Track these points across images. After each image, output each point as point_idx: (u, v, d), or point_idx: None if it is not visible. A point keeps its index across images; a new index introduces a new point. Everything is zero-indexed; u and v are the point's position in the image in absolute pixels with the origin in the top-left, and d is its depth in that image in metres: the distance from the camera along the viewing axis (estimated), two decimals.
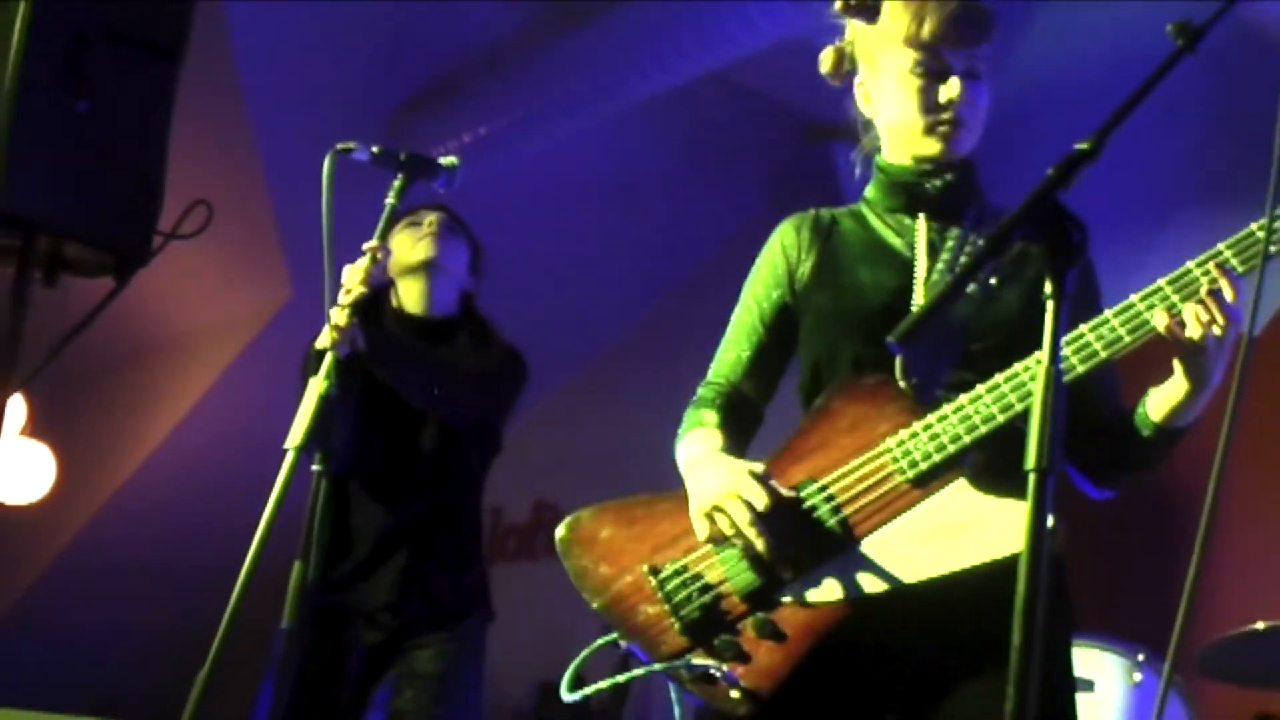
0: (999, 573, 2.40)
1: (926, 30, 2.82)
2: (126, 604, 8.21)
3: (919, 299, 2.79)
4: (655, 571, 2.72)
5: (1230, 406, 2.28)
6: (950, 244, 2.85)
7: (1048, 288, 2.02)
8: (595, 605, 2.75)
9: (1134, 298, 2.56)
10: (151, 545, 8.13)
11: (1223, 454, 2.23)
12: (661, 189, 8.43)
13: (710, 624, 2.65)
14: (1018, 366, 2.57)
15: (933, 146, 2.85)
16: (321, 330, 3.52)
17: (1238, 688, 4.95)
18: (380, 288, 3.70)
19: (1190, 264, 2.55)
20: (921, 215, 2.88)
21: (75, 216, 3.34)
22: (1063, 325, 2.01)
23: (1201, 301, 2.50)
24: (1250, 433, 6.07)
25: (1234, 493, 6.06)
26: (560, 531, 2.84)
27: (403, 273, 4.31)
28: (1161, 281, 2.56)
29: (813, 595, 2.61)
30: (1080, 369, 2.56)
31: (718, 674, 2.59)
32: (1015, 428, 2.51)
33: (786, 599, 2.63)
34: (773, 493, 2.64)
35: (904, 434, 2.64)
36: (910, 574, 2.57)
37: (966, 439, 2.58)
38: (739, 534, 2.63)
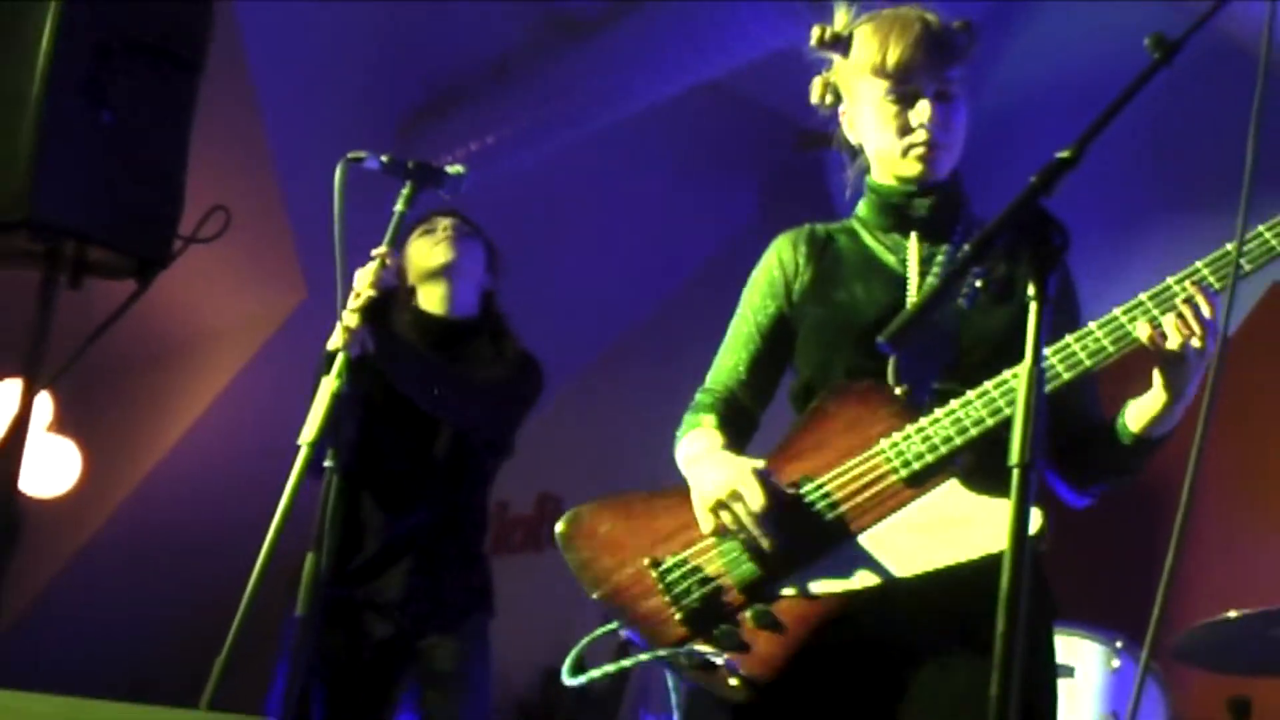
0: (989, 567, 2.39)
1: (892, 58, 2.82)
2: (147, 592, 8.21)
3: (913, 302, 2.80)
4: (656, 564, 2.72)
5: (1205, 407, 2.29)
6: (940, 260, 2.86)
7: (1030, 289, 2.03)
8: (595, 595, 2.75)
9: (1117, 311, 2.58)
10: (171, 536, 8.13)
11: (1198, 451, 2.23)
12: (660, 194, 8.43)
13: (710, 614, 2.65)
14: (1007, 374, 2.59)
15: (912, 169, 2.86)
16: (334, 331, 3.52)
17: (1211, 673, 4.95)
18: (390, 291, 3.69)
19: (1170, 280, 2.57)
20: (913, 234, 2.89)
21: (99, 222, 3.34)
22: (1045, 327, 2.02)
23: (1181, 315, 2.51)
24: (1224, 432, 6.08)
25: (1209, 489, 6.06)
26: (560, 526, 2.84)
27: (423, 278, 4.29)
28: (1143, 296, 2.58)
29: (810, 588, 2.62)
30: (1066, 376, 2.57)
31: (719, 662, 2.59)
32: (1004, 431, 2.52)
33: (784, 591, 2.63)
34: (774, 489, 2.64)
35: (897, 436, 2.65)
36: (903, 568, 2.58)
37: (957, 440, 2.59)
38: (742, 528, 2.63)
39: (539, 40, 7.55)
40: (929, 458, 2.61)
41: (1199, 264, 2.56)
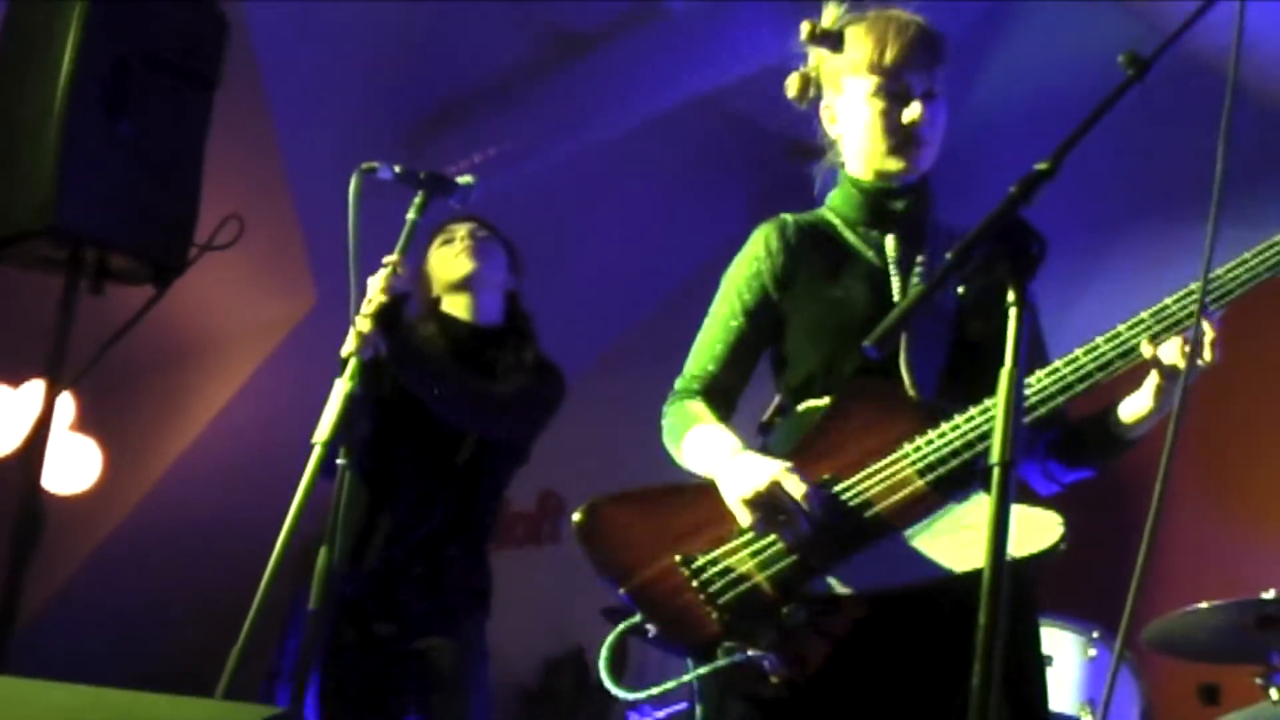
0: (1015, 572, 2.41)
1: (889, 56, 2.83)
2: (165, 585, 8.20)
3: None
4: (688, 561, 2.67)
5: (1177, 406, 2.30)
6: (920, 258, 2.87)
7: (1010, 296, 2.03)
8: (622, 590, 2.68)
9: (1120, 327, 2.61)
10: (188, 531, 8.12)
11: (1170, 448, 2.24)
12: (657, 202, 8.44)
13: (747, 612, 2.61)
14: (1029, 380, 2.59)
15: (897, 164, 2.87)
16: (347, 335, 3.51)
17: (1182, 661, 4.95)
18: (403, 296, 3.67)
19: (1168, 299, 2.61)
20: (891, 234, 2.89)
21: (119, 230, 3.34)
22: (1024, 332, 2.03)
23: (1185, 334, 2.56)
24: (1195, 433, 6.09)
25: (1180, 489, 6.06)
26: (577, 516, 2.75)
27: (446, 289, 4.25)
28: (1144, 313, 2.61)
29: (845, 586, 2.59)
30: (1079, 388, 2.60)
31: (765, 664, 2.54)
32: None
33: (820, 589, 2.60)
34: (815, 490, 2.62)
35: (920, 440, 2.64)
36: (935, 569, 2.55)
37: (979, 447, 2.59)
38: (783, 522, 2.60)
39: (540, 56, 7.55)
40: (953, 463, 2.60)
41: (1193, 285, 2.59)
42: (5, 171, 3.27)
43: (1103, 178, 5.99)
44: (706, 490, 2.72)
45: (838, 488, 2.65)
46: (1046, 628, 4.60)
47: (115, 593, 8.26)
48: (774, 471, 2.61)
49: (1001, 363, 2.58)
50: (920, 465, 2.62)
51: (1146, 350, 2.56)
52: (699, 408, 2.90)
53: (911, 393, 2.69)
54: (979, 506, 2.57)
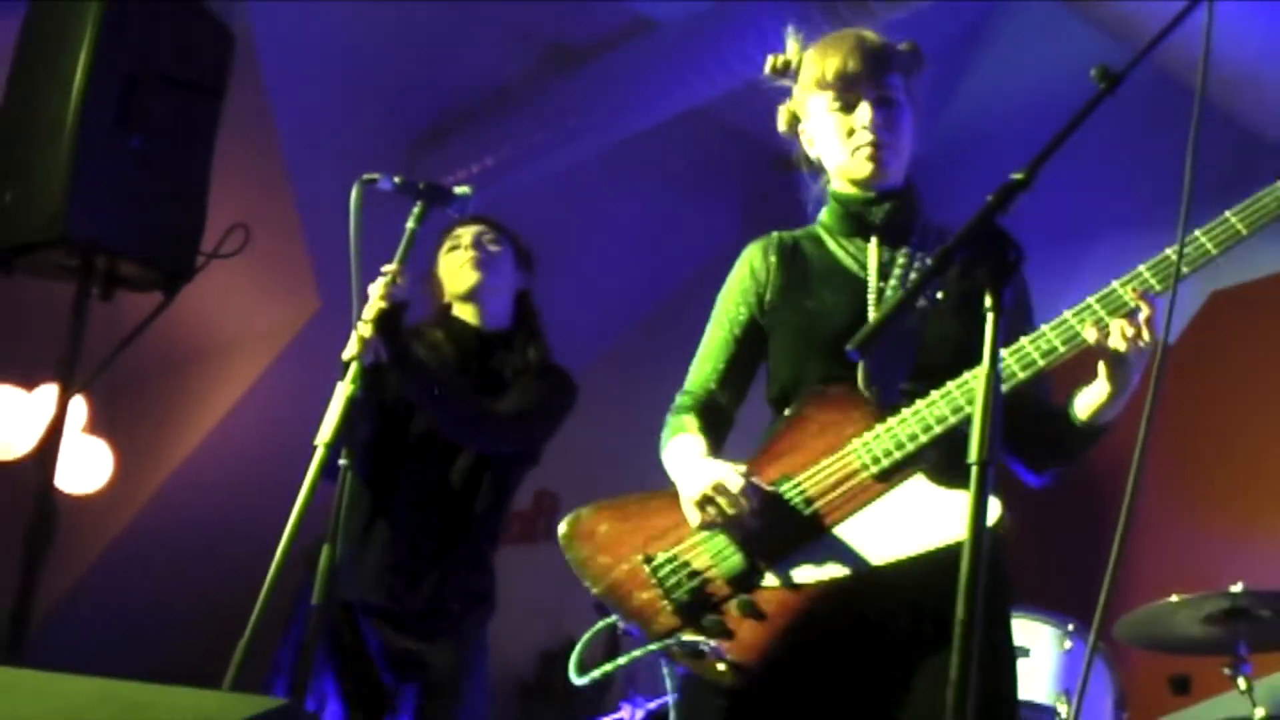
0: (954, 555, 2.43)
1: (831, 70, 2.87)
2: (174, 582, 8.20)
3: (874, 315, 2.81)
4: (649, 560, 2.73)
5: (1148, 407, 2.30)
6: (900, 264, 2.87)
7: (987, 301, 2.04)
8: (595, 591, 2.75)
9: (1067, 313, 2.59)
10: (196, 530, 8.11)
11: (1141, 448, 2.24)
12: (650, 211, 8.44)
13: (699, 605, 2.66)
14: (967, 374, 2.59)
15: (862, 169, 2.88)
16: (349, 340, 3.50)
17: (1155, 653, 4.96)
18: (403, 303, 3.66)
19: (1115, 283, 2.58)
20: (873, 240, 2.90)
21: (128, 239, 3.35)
22: (1000, 336, 2.04)
23: (1127, 317, 2.53)
24: (1168, 430, 6.11)
25: (1154, 485, 6.08)
26: (563, 528, 2.84)
27: (455, 298, 4.22)
28: (1091, 299, 2.59)
29: (789, 577, 2.63)
30: (1021, 375, 2.59)
31: (706, 649, 2.60)
32: (965, 427, 2.54)
33: (766, 582, 2.64)
34: (753, 485, 2.66)
35: (868, 435, 2.66)
36: (875, 557, 2.59)
37: (923, 438, 2.61)
38: (726, 522, 2.65)
39: (537, 70, 7.56)
40: (897, 454, 2.62)
41: (1141, 267, 2.58)
42: (20, 184, 3.28)
43: (1079, 185, 6.01)
44: (677, 495, 2.77)
45: (786, 485, 2.69)
46: (1023, 620, 4.63)
47: (125, 589, 8.26)
48: (718, 474, 2.66)
49: (964, 362, 2.60)
50: (866, 457, 2.64)
51: (1090, 335, 2.55)
52: (687, 420, 2.93)
53: (867, 393, 2.71)
54: (918, 491, 2.61)
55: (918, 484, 2.62)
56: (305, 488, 3.15)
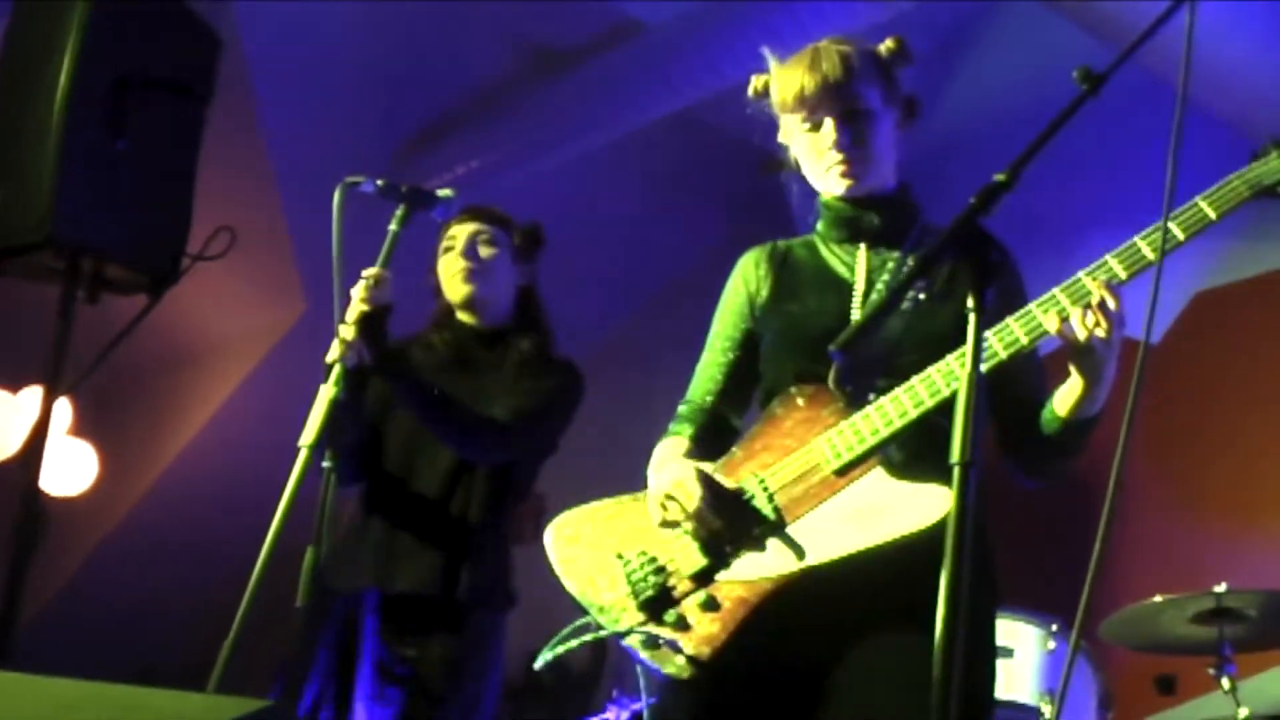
0: (911, 546, 2.50)
1: (791, 93, 2.87)
2: (161, 583, 8.20)
3: (857, 317, 2.82)
4: (621, 558, 2.78)
5: (1129, 407, 2.30)
6: (889, 268, 2.87)
7: (970, 301, 2.05)
8: (574, 591, 2.81)
9: (1032, 305, 2.59)
10: (182, 531, 8.12)
11: (1123, 450, 2.25)
12: (636, 214, 8.45)
13: (662, 601, 2.69)
14: (930, 369, 2.60)
15: (838, 185, 2.89)
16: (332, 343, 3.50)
17: (1140, 653, 4.98)
18: (383, 306, 3.64)
19: (1081, 273, 2.58)
20: (862, 245, 2.90)
21: (115, 241, 3.35)
22: (982, 335, 2.04)
23: (1087, 308, 2.52)
24: (1153, 431, 6.13)
25: (1139, 486, 6.11)
26: (549, 531, 2.90)
27: (453, 302, 4.17)
28: (1056, 290, 2.58)
29: (748, 572, 2.65)
30: (982, 367, 2.58)
31: (662, 641, 2.64)
32: (928, 421, 2.57)
33: (726, 576, 2.67)
34: (710, 483, 2.69)
35: (832, 432, 2.67)
36: (829, 552, 2.61)
37: (884, 432, 2.61)
38: (685, 519, 2.68)
39: (522, 73, 7.57)
40: (857, 449, 2.63)
41: (1107, 256, 2.57)
42: (7, 186, 3.27)
43: (1069, 187, 6.03)
44: None
45: (749, 482, 2.72)
46: (1007, 620, 4.64)
47: (112, 591, 8.26)
48: (678, 475, 2.71)
49: (935, 359, 2.61)
50: (829, 453, 2.66)
51: (1051, 325, 2.54)
52: (681, 427, 2.98)
53: (839, 392, 2.72)
54: (875, 486, 2.62)
55: (876, 477, 2.63)
56: (289, 489, 3.16)
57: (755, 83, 3.01)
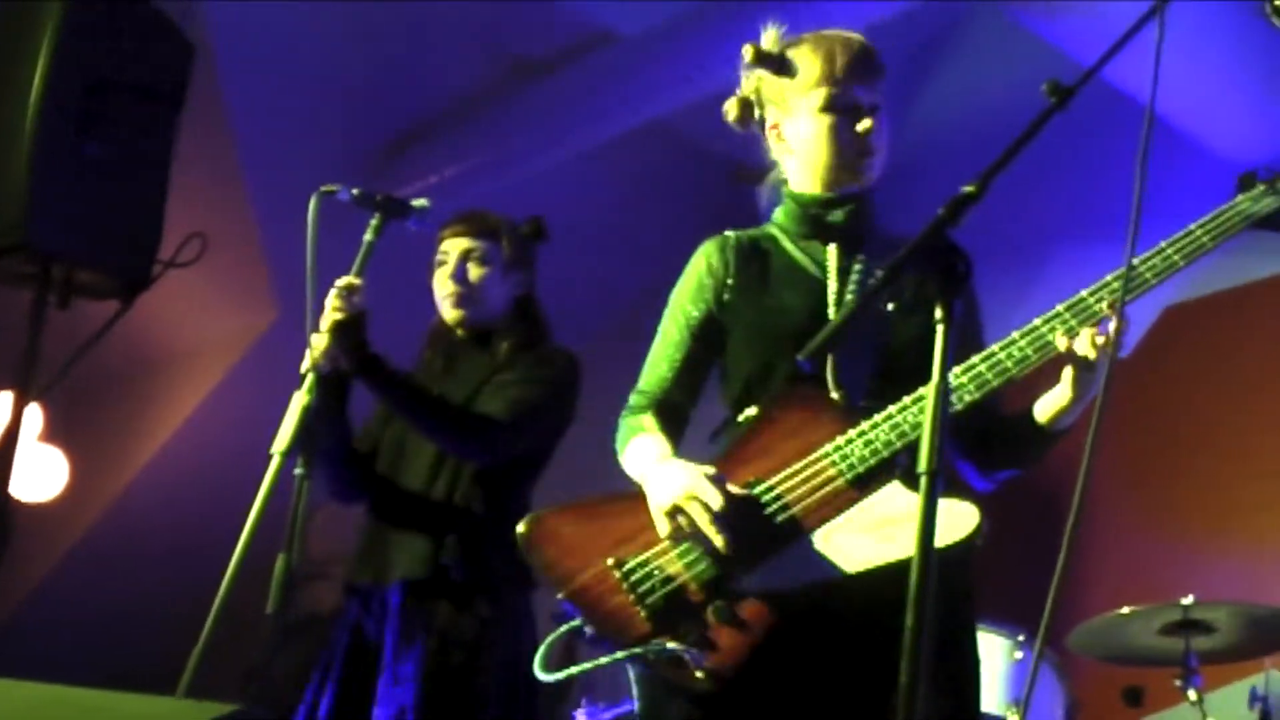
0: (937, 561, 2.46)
1: (838, 71, 2.84)
2: (130, 590, 8.15)
3: (833, 317, 2.82)
4: (620, 565, 2.69)
5: (1094, 419, 2.32)
6: (857, 268, 2.86)
7: (937, 312, 2.06)
8: (561, 595, 2.71)
9: (1037, 321, 2.61)
10: (153, 538, 8.08)
11: (1088, 461, 2.27)
12: (608, 224, 8.45)
13: (673, 611, 2.63)
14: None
15: (849, 176, 2.88)
16: (307, 350, 3.50)
17: (1107, 664, 5.00)
18: (358, 313, 3.63)
19: (1084, 292, 2.61)
20: (832, 245, 2.90)
21: (86, 247, 3.34)
22: (951, 345, 2.06)
23: (1098, 325, 2.56)
24: (1120, 444, 6.16)
25: (1105, 498, 6.14)
26: (521, 528, 2.80)
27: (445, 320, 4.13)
28: (1060, 307, 2.61)
29: (765, 584, 2.61)
30: (995, 382, 2.60)
31: (686, 656, 2.57)
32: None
33: (742, 588, 2.62)
34: (727, 493, 2.63)
35: (840, 440, 2.65)
36: (851, 564, 2.57)
37: (897, 444, 2.60)
38: (699, 530, 2.62)
39: (496, 82, 7.57)
40: (871, 461, 2.61)
41: (1109, 277, 2.60)
42: None
43: (1030, 201, 6.06)
44: (643, 497, 2.74)
45: (758, 490, 2.67)
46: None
47: (82, 598, 8.22)
48: (691, 484, 2.64)
49: (930, 366, 2.62)
50: (841, 464, 2.63)
51: (1061, 343, 2.57)
52: (645, 420, 2.91)
53: (836, 396, 2.70)
54: (892, 498, 2.59)
55: (894, 491, 2.60)
56: (260, 497, 3.16)
57: (754, 49, 2.92)
